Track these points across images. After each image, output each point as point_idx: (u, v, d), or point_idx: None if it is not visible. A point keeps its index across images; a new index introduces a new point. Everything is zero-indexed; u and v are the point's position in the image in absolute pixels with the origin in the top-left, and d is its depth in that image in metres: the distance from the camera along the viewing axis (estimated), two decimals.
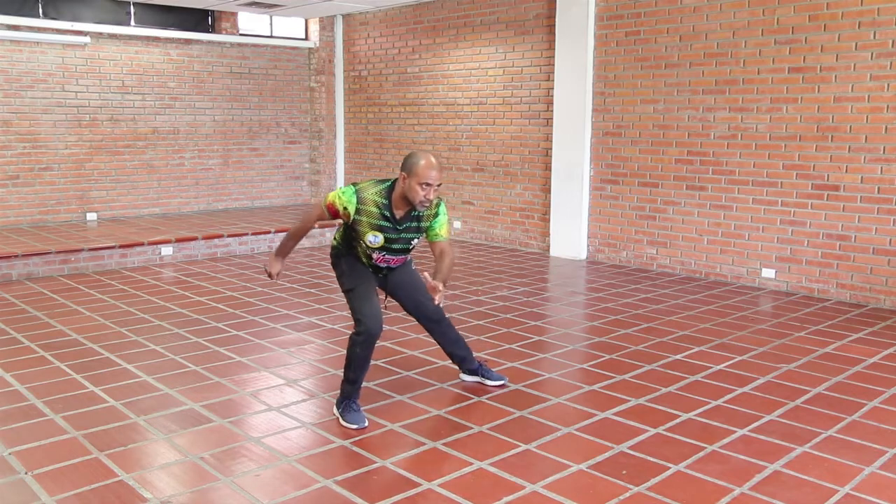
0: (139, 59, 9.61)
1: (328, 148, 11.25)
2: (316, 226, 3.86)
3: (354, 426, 3.65)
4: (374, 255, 3.72)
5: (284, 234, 3.91)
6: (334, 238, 3.91)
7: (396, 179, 3.60)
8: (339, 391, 3.86)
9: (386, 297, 4.00)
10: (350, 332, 3.71)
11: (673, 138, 7.36)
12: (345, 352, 4.72)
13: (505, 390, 4.19)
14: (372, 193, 3.58)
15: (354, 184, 3.66)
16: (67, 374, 4.42)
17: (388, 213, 3.58)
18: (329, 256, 3.96)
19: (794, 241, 6.63)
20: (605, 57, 7.80)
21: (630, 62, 7.61)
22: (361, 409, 3.77)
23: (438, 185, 3.53)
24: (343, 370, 3.75)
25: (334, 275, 3.95)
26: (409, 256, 3.91)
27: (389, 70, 10.37)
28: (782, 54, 6.54)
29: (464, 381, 4.32)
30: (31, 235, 8.11)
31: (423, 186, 3.47)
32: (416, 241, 3.75)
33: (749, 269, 6.94)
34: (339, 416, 3.75)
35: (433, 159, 3.51)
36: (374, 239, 3.62)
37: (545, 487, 3.08)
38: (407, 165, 3.52)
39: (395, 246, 3.69)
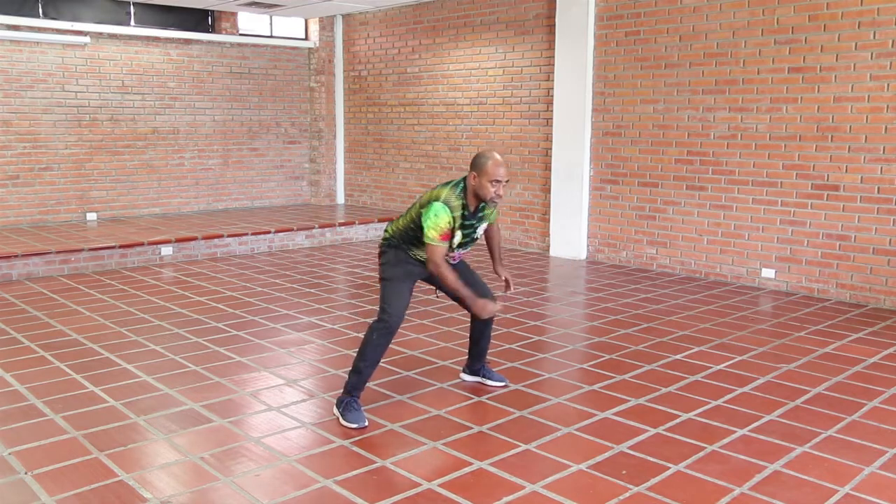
0: (139, 59, 9.61)
1: (328, 148, 11.25)
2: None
3: (355, 425, 3.66)
4: (452, 254, 3.83)
5: (454, 287, 3.76)
6: (387, 230, 3.95)
7: (465, 179, 3.78)
8: (339, 391, 3.86)
9: (437, 290, 4.08)
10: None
11: (673, 138, 7.36)
12: (345, 351, 4.73)
13: (505, 390, 4.20)
14: (455, 199, 3.72)
15: (436, 198, 3.70)
16: (67, 374, 4.42)
17: (467, 213, 3.78)
18: (378, 246, 3.99)
19: (794, 241, 6.64)
20: (605, 57, 7.80)
21: (630, 62, 7.61)
22: (362, 408, 3.77)
23: (507, 181, 3.75)
24: (353, 362, 3.77)
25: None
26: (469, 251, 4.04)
27: (389, 70, 10.37)
28: (782, 54, 6.54)
29: (464, 381, 4.33)
30: (31, 235, 8.11)
31: (494, 183, 3.68)
32: (480, 230, 3.94)
33: (749, 269, 6.94)
34: (339, 415, 3.75)
35: (499, 157, 3.72)
36: (456, 239, 3.77)
37: (545, 487, 3.08)
38: (477, 165, 3.71)
39: (467, 240, 3.86)
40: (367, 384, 4.12)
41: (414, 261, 3.87)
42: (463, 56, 9.31)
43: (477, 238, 3.94)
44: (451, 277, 3.70)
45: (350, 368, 3.80)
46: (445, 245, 3.70)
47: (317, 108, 11.13)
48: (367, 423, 3.68)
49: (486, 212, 3.92)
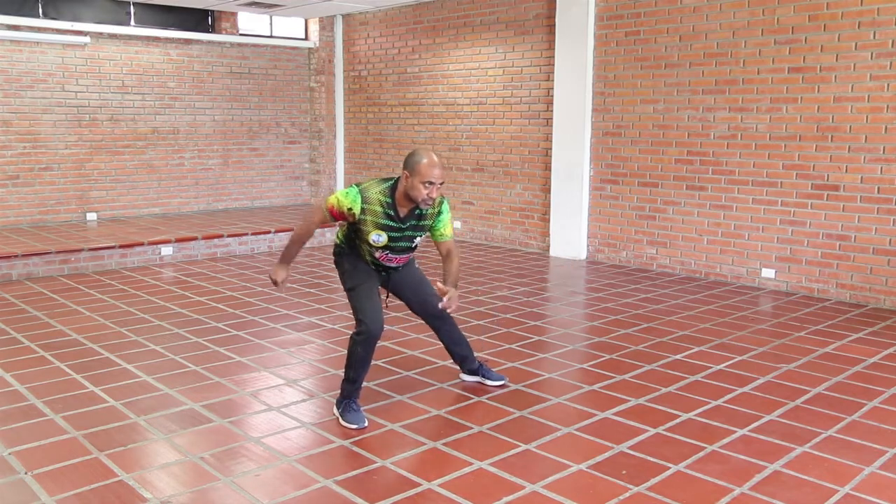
0: (139, 59, 9.61)
1: (328, 148, 11.25)
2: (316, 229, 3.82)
3: (354, 426, 3.66)
4: (378, 254, 3.72)
5: (289, 243, 3.85)
6: (336, 236, 3.91)
7: (399, 178, 3.61)
8: (338, 391, 3.86)
9: (388, 295, 4.00)
10: (351, 332, 3.71)
11: (673, 138, 7.36)
12: (345, 351, 4.73)
13: (505, 390, 4.19)
14: (376, 192, 3.58)
15: (357, 184, 3.64)
16: (67, 374, 4.42)
17: (391, 212, 3.59)
18: (332, 255, 3.95)
19: (794, 241, 6.64)
20: (605, 57, 7.80)
21: (630, 62, 7.61)
22: (361, 409, 3.77)
23: (441, 184, 3.54)
24: (343, 369, 3.75)
25: (336, 274, 3.94)
26: (412, 255, 3.91)
27: (389, 70, 10.37)
28: (782, 54, 6.54)
29: (464, 380, 4.32)
30: (31, 235, 8.11)
31: (427, 185, 3.49)
32: (419, 239, 3.76)
33: (749, 269, 6.94)
34: (338, 416, 3.75)
35: (435, 157, 3.51)
36: (377, 238, 3.63)
37: (545, 487, 3.08)
38: (409, 164, 3.52)
39: (399, 245, 3.70)
40: (366, 384, 4.13)
41: (367, 262, 3.79)
42: (463, 56, 9.31)
43: (415, 246, 3.77)
44: (301, 237, 3.77)
45: (343, 378, 3.76)
46: (327, 217, 3.63)
47: (317, 108, 11.13)
48: (366, 424, 3.68)
49: (427, 222, 3.69)
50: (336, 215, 3.63)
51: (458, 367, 4.38)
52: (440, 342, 4.22)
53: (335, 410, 3.80)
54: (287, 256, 3.88)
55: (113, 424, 3.70)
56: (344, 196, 3.58)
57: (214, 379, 4.37)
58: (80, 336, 5.23)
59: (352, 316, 5.76)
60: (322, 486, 3.10)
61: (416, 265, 4.08)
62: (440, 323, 4.07)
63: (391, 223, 3.61)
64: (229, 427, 3.69)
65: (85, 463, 3.28)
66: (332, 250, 3.92)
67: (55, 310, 5.94)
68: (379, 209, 3.57)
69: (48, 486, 3.08)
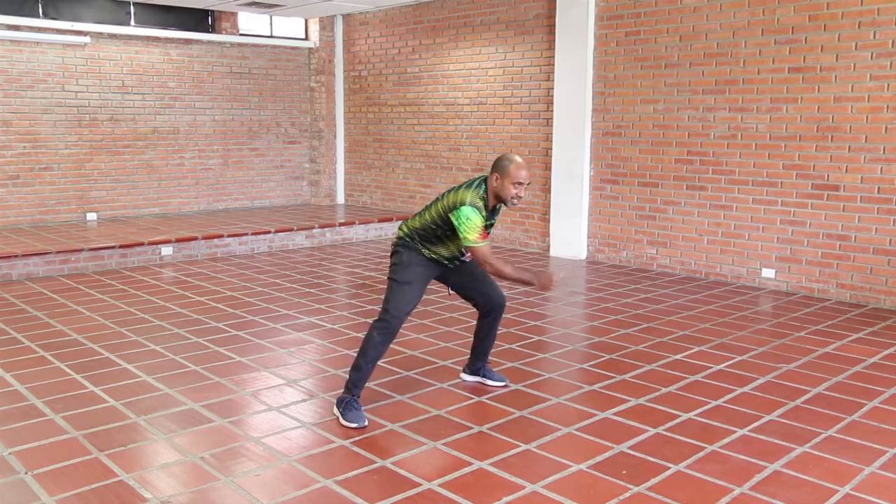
0: (139, 59, 9.61)
1: (328, 148, 11.25)
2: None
3: (354, 425, 3.66)
4: (468, 253, 3.86)
5: (516, 276, 3.86)
6: (401, 228, 3.95)
7: (486, 178, 3.81)
8: (339, 391, 3.86)
9: (450, 289, 4.10)
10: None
11: (673, 138, 7.36)
12: (345, 352, 4.73)
13: (505, 390, 4.20)
14: (479, 200, 3.74)
15: (462, 202, 3.70)
16: (67, 374, 4.42)
17: (487, 213, 3.81)
18: (392, 244, 3.98)
19: (794, 241, 6.64)
20: (605, 57, 7.80)
21: (630, 62, 7.61)
22: (362, 408, 3.77)
23: (529, 184, 3.81)
24: (354, 359, 3.79)
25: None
26: None
27: (389, 70, 10.37)
28: (782, 54, 6.54)
29: (464, 381, 4.33)
30: (31, 235, 8.11)
31: (516, 185, 3.72)
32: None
33: (749, 269, 6.94)
34: (339, 415, 3.75)
35: (521, 160, 3.76)
36: (488, 237, 3.81)
37: (545, 487, 3.08)
38: (499, 167, 3.75)
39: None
40: (368, 384, 4.13)
41: (429, 260, 3.87)
42: (463, 56, 9.31)
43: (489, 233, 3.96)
44: (508, 268, 3.79)
45: (351, 366, 3.81)
46: (488, 244, 3.75)
47: (317, 108, 11.13)
48: (366, 423, 3.68)
49: (499, 210, 3.99)
50: (486, 237, 3.76)
51: (458, 368, 4.37)
52: (476, 329, 4.21)
53: (335, 410, 3.80)
54: (526, 279, 3.89)
55: (113, 424, 3.70)
56: (473, 223, 3.68)
57: (214, 379, 4.37)
58: (80, 336, 5.23)
59: (354, 316, 5.77)
60: (322, 486, 3.10)
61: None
62: (497, 314, 4.13)
63: (487, 222, 3.82)
64: (229, 427, 3.69)
65: (85, 463, 3.28)
66: (392, 241, 4.06)
67: (55, 310, 5.94)
68: (483, 213, 3.76)
69: (48, 486, 3.08)
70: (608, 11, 7.73)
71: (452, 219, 3.70)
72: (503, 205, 3.86)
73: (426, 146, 9.93)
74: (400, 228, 3.98)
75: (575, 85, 7.98)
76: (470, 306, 6.06)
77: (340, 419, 3.73)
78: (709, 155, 7.11)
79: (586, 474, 3.20)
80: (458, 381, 4.34)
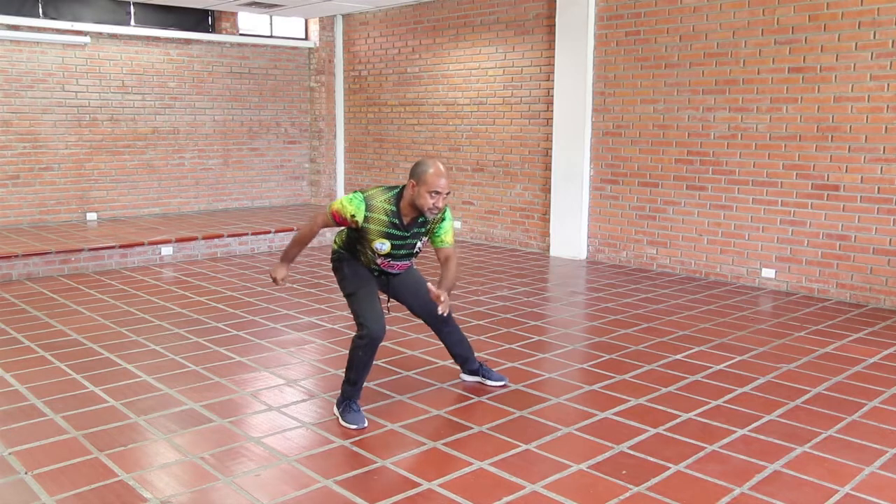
0: (139, 59, 9.61)
1: (328, 148, 11.25)
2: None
3: (354, 426, 3.66)
4: (380, 261, 3.73)
5: (291, 243, 3.91)
6: (335, 242, 3.92)
7: (404, 186, 3.63)
8: (339, 391, 3.86)
9: (388, 299, 4.00)
10: (353, 335, 3.71)
11: (673, 138, 7.36)
12: (345, 352, 4.73)
13: (505, 390, 4.19)
14: (381, 201, 3.60)
15: (362, 191, 3.65)
16: (67, 374, 4.42)
17: (396, 221, 3.61)
18: (330, 261, 3.95)
19: (794, 241, 6.63)
20: (605, 57, 7.80)
21: (630, 62, 7.61)
22: (361, 409, 3.77)
23: (448, 194, 3.56)
24: (344, 371, 3.76)
25: (335, 278, 3.95)
26: (413, 262, 3.92)
27: (389, 70, 10.37)
28: (782, 54, 6.54)
29: (464, 381, 4.32)
30: (31, 235, 8.11)
31: (433, 195, 3.50)
32: (419, 245, 3.77)
33: (749, 269, 6.94)
34: (338, 416, 3.75)
35: (441, 167, 3.52)
36: (381, 246, 3.65)
37: (545, 487, 3.08)
38: (416, 173, 3.54)
39: (401, 252, 3.72)
40: (367, 384, 4.14)
41: (366, 267, 3.80)
42: (463, 56, 9.31)
43: (416, 253, 3.78)
44: (303, 238, 3.83)
45: (343, 379, 3.76)
46: (330, 220, 3.67)
47: (317, 108, 11.13)
48: (366, 424, 3.68)
49: (429, 227, 3.70)
50: (339, 220, 3.64)
51: (458, 368, 4.38)
52: (442, 343, 4.23)
53: (335, 410, 3.80)
54: (287, 256, 3.93)
55: (113, 424, 3.70)
56: (349, 202, 3.58)
57: (214, 379, 4.37)
58: (80, 336, 5.23)
59: (352, 317, 5.75)
60: (322, 486, 3.10)
61: (415, 267, 4.08)
62: (442, 325, 4.07)
63: (395, 231, 3.62)
64: (229, 427, 3.69)
65: (85, 463, 3.28)
66: (330, 255, 3.91)
67: (55, 310, 5.94)
68: (384, 217, 3.59)
69: (48, 486, 3.08)
70: (608, 11, 7.73)
71: None
72: (426, 219, 3.61)
73: (426, 146, 9.93)
74: (334, 242, 3.93)
75: (575, 85, 7.98)
76: (469, 306, 6.07)
77: (340, 420, 3.73)
78: (709, 155, 7.11)
79: (586, 474, 3.20)
80: (459, 381, 4.33)
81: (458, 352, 4.21)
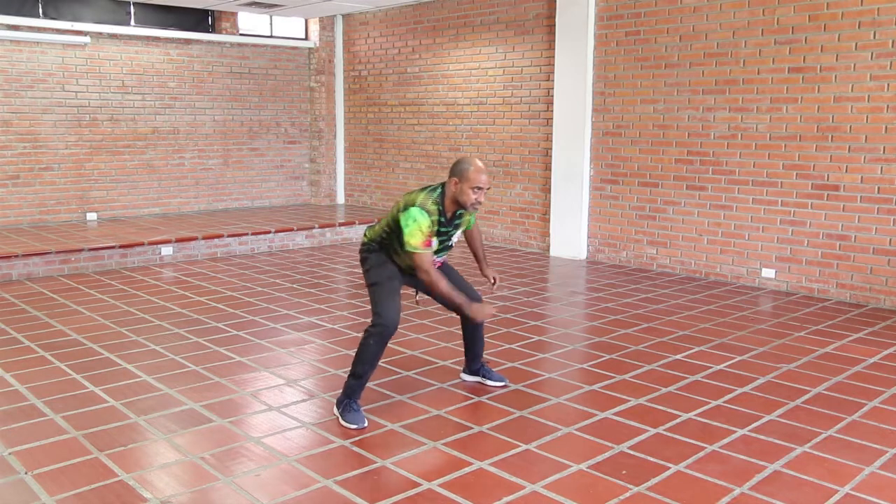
0: (139, 59, 9.61)
1: (328, 148, 11.25)
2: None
3: (354, 426, 3.66)
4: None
5: (447, 294, 3.72)
6: (365, 234, 3.94)
7: (443, 185, 3.74)
8: (339, 391, 3.86)
9: (418, 292, 4.03)
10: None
11: (673, 138, 7.36)
12: (345, 351, 4.74)
13: (505, 390, 4.19)
14: (430, 204, 3.67)
15: (412, 204, 3.64)
16: (67, 374, 4.42)
17: (443, 219, 3.74)
18: (359, 252, 3.97)
19: (794, 241, 6.63)
20: (605, 57, 7.80)
21: (630, 62, 7.61)
22: (361, 409, 3.77)
23: (488, 188, 3.74)
24: (351, 366, 3.76)
25: (361, 269, 3.94)
26: (447, 257, 3.99)
27: (389, 70, 10.37)
28: (782, 54, 6.54)
29: (464, 380, 4.32)
30: (31, 235, 8.11)
31: (475, 190, 3.66)
32: (455, 238, 3.91)
33: (749, 269, 6.94)
34: (338, 415, 3.75)
35: (481, 164, 3.70)
36: (433, 245, 3.72)
37: (545, 487, 3.08)
38: (457, 171, 3.68)
39: (443, 247, 3.83)
40: (368, 384, 4.13)
41: (396, 264, 3.83)
42: (463, 56, 9.31)
43: (452, 245, 3.90)
44: (443, 284, 3.66)
45: (349, 372, 3.77)
46: (430, 251, 3.65)
47: (317, 108, 11.13)
48: (366, 424, 3.68)
49: (463, 218, 3.90)
50: (429, 242, 3.67)
51: (458, 368, 4.38)
52: (462, 334, 4.21)
53: (335, 410, 3.80)
54: (463, 302, 3.76)
55: (113, 424, 3.70)
56: (419, 225, 3.59)
57: (214, 379, 4.37)
58: (80, 336, 5.23)
59: (354, 316, 5.77)
60: (322, 486, 3.10)
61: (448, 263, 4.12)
62: (473, 324, 4.11)
63: (442, 228, 3.75)
64: (229, 427, 3.69)
65: (85, 463, 3.28)
66: (358, 248, 3.98)
67: (55, 310, 5.94)
68: (435, 217, 3.69)
69: (48, 486, 3.08)
70: (608, 11, 7.73)
71: (401, 220, 3.62)
72: (464, 211, 3.77)
73: (426, 146, 9.93)
74: (364, 234, 3.94)
75: (575, 85, 7.98)
76: None
77: (340, 420, 3.73)
78: (709, 155, 7.11)
79: (586, 474, 3.20)
80: (458, 381, 4.33)
81: (474, 347, 4.22)
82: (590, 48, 7.86)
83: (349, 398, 3.74)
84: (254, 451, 3.42)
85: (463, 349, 4.31)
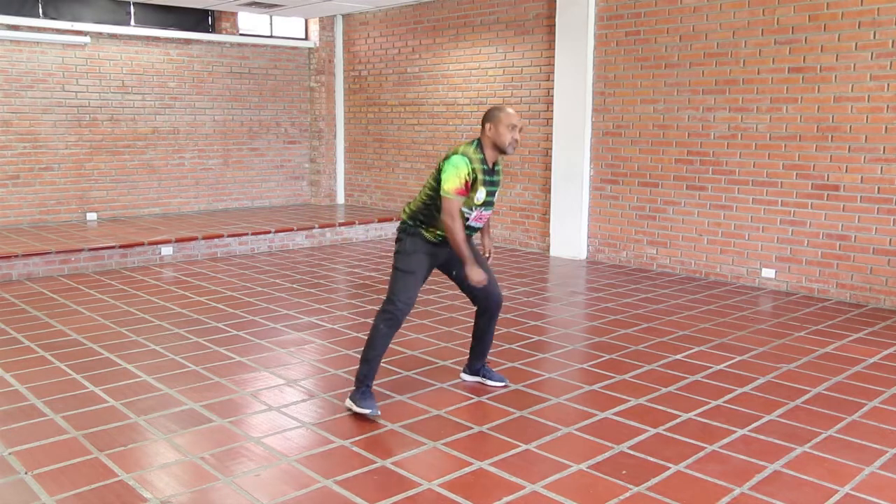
0: (139, 59, 9.61)
1: (328, 148, 11.25)
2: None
3: (368, 412, 3.73)
4: (474, 214, 3.82)
5: (460, 243, 3.75)
6: (405, 210, 3.94)
7: (479, 139, 3.82)
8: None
9: (452, 273, 4.03)
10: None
11: (673, 138, 7.36)
12: (345, 352, 4.74)
13: (505, 390, 4.19)
14: (472, 152, 3.77)
15: (454, 153, 3.76)
16: (67, 374, 4.42)
17: (486, 167, 3.79)
18: (396, 230, 3.99)
19: (794, 241, 6.63)
20: (605, 57, 7.80)
21: (630, 62, 7.61)
22: (374, 397, 3.84)
23: (521, 128, 3.84)
24: (362, 352, 3.84)
25: (394, 248, 3.94)
26: (491, 213, 4.02)
27: (389, 70, 10.37)
28: (782, 54, 6.54)
29: (464, 380, 4.33)
30: (31, 235, 8.11)
31: (511, 128, 3.74)
32: (497, 194, 3.97)
33: (749, 269, 6.94)
34: (352, 405, 3.81)
35: (509, 108, 3.82)
36: (480, 195, 3.78)
37: (545, 487, 3.08)
38: (490, 117, 3.78)
39: (490, 199, 3.87)
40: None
41: (432, 245, 3.86)
42: (463, 56, 9.31)
43: (494, 201, 3.94)
44: (460, 233, 3.71)
45: (360, 359, 3.85)
46: (461, 200, 3.70)
47: (317, 108, 11.13)
48: (379, 412, 3.75)
49: (501, 173, 3.96)
50: (465, 191, 3.72)
51: (458, 368, 4.38)
52: (474, 328, 4.19)
53: (348, 402, 3.85)
54: (469, 257, 3.79)
55: (113, 424, 3.70)
56: (460, 169, 3.69)
57: (214, 379, 4.37)
58: (80, 336, 5.23)
59: (354, 316, 5.76)
60: (322, 486, 3.10)
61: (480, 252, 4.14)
62: (494, 312, 4.10)
63: (487, 177, 3.80)
64: (229, 427, 3.69)
65: (85, 463, 3.28)
66: (397, 227, 4.02)
67: (55, 310, 5.94)
68: (479, 165, 3.76)
69: (48, 486, 3.08)
70: (608, 11, 7.73)
71: (443, 169, 3.70)
72: (502, 155, 3.84)
73: (426, 146, 9.93)
74: (403, 211, 3.97)
75: (575, 85, 7.98)
76: (469, 306, 6.07)
77: (354, 407, 3.78)
78: (709, 155, 7.11)
79: (586, 474, 3.20)
80: (459, 381, 4.33)
81: (482, 344, 4.21)
82: (590, 48, 7.86)
83: (362, 384, 3.82)
84: (254, 451, 3.42)
85: (469, 346, 4.30)
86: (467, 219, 3.82)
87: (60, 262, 7.28)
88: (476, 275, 3.76)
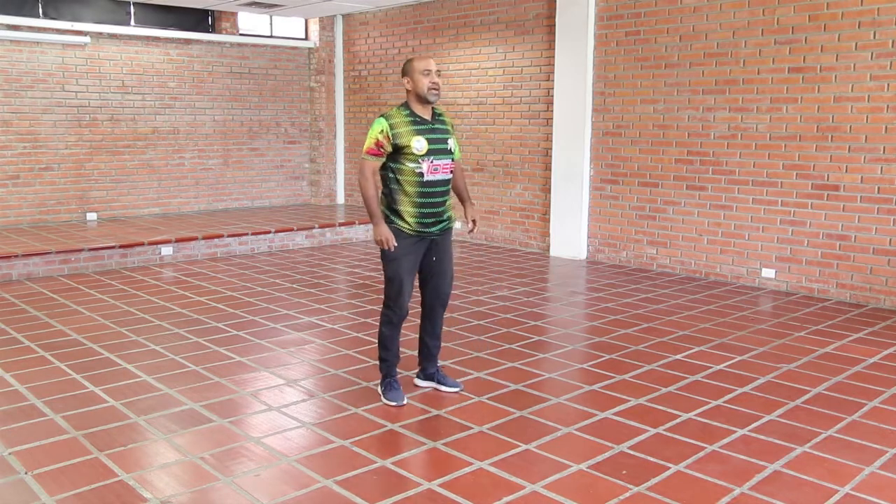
0: (139, 59, 9.61)
1: (328, 148, 11.25)
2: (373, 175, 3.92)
3: (394, 403, 3.90)
4: (426, 167, 3.78)
5: (369, 201, 3.84)
6: (380, 203, 3.92)
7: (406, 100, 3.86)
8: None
9: (433, 257, 4.00)
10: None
11: (673, 138, 7.36)
12: (345, 352, 4.75)
13: (505, 390, 4.19)
14: (395, 111, 3.83)
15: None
16: (67, 374, 4.42)
17: (416, 118, 3.80)
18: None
19: (794, 241, 6.63)
20: (605, 57, 7.80)
21: (630, 62, 7.61)
22: (401, 387, 4.01)
23: (438, 72, 3.80)
24: (378, 352, 4.07)
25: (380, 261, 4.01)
26: (453, 164, 3.94)
27: (389, 70, 10.36)
28: (782, 54, 6.54)
29: (418, 386, 4.22)
30: (31, 235, 8.11)
31: (425, 73, 3.75)
32: (451, 142, 3.92)
33: (749, 269, 6.94)
34: (382, 395, 4.02)
35: (426, 56, 3.85)
36: (419, 145, 3.77)
37: (545, 487, 3.08)
38: (405, 70, 3.82)
39: (438, 146, 3.83)
40: (366, 384, 4.16)
41: (411, 237, 3.83)
42: (463, 56, 9.31)
43: (451, 150, 3.89)
44: (369, 190, 3.78)
45: (378, 357, 4.06)
46: (375, 161, 3.79)
47: (317, 108, 11.13)
48: (405, 402, 3.92)
49: (447, 126, 3.91)
50: (377, 151, 3.79)
51: (458, 369, 4.38)
52: (420, 329, 4.16)
53: (379, 389, 4.05)
54: (375, 214, 3.84)
55: (113, 424, 3.70)
56: (372, 131, 3.80)
57: (214, 379, 4.37)
58: (80, 336, 5.23)
59: (354, 316, 5.76)
60: (322, 486, 3.10)
61: (452, 249, 4.13)
62: (439, 309, 4.09)
63: (421, 126, 3.79)
64: (229, 427, 3.69)
65: (85, 463, 3.28)
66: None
67: (55, 310, 5.94)
68: (405, 119, 3.78)
69: (48, 486, 3.08)
70: (608, 11, 7.73)
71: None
72: (429, 104, 3.78)
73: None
74: (380, 203, 3.92)
75: (575, 85, 7.98)
76: (472, 306, 6.07)
77: (382, 398, 3.98)
78: (709, 155, 7.11)
79: (586, 474, 3.20)
80: (456, 385, 4.32)
81: (431, 344, 4.14)
82: (590, 48, 7.86)
83: (386, 377, 4.01)
84: (254, 451, 3.42)
85: (417, 349, 4.24)
86: (421, 174, 3.78)
87: (60, 262, 7.28)
88: (380, 234, 3.79)
